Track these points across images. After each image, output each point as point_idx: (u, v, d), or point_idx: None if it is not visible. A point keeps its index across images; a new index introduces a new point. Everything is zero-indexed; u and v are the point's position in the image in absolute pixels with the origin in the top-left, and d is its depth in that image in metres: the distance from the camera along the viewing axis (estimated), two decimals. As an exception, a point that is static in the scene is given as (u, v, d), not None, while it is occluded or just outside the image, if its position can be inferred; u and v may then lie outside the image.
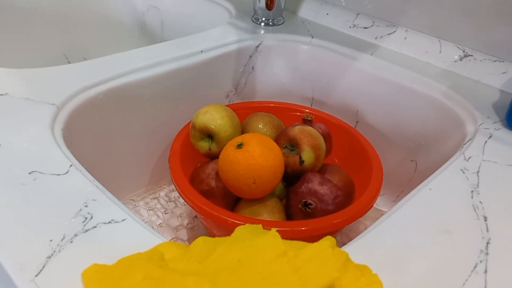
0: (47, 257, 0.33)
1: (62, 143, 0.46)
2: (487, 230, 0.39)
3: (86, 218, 0.36)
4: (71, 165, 0.42)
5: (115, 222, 0.36)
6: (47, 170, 0.41)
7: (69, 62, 0.93)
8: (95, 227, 0.35)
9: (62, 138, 0.47)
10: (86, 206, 0.37)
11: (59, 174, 0.40)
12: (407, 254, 0.36)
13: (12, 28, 0.86)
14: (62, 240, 0.34)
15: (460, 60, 0.66)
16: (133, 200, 0.66)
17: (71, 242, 0.34)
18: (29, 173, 0.40)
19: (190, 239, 0.61)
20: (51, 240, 0.34)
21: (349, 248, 0.36)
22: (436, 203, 0.42)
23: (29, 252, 0.33)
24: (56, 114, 0.49)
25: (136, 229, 0.36)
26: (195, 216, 0.64)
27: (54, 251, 0.33)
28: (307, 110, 0.69)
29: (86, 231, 0.35)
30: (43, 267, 0.32)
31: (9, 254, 0.33)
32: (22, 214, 0.36)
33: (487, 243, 0.37)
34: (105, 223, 0.36)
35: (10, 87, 0.52)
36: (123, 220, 0.36)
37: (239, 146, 0.51)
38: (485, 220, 0.40)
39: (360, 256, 0.35)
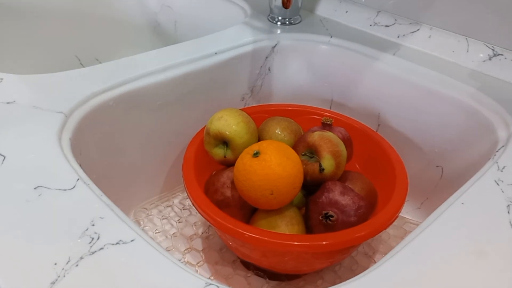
0: (51, 283, 0.30)
1: (70, 154, 0.43)
2: (527, 251, 0.35)
3: (92, 238, 0.34)
4: (78, 179, 0.39)
5: (124, 243, 0.34)
6: (53, 185, 0.39)
7: (81, 64, 0.91)
8: (102, 248, 0.33)
9: (70, 149, 0.44)
10: (93, 225, 0.35)
11: (65, 189, 0.38)
12: (439, 278, 0.33)
13: (24, 29, 0.85)
14: (67, 263, 0.32)
15: (489, 59, 0.62)
16: (145, 208, 0.63)
17: (77, 265, 0.32)
18: (35, 188, 0.38)
19: (206, 249, 0.59)
20: (55, 264, 0.32)
21: (377, 271, 0.33)
22: (469, 220, 0.38)
23: (33, 277, 0.31)
24: (64, 123, 0.47)
25: (145, 250, 0.34)
26: (210, 225, 0.62)
27: (59, 276, 0.31)
28: (326, 114, 0.66)
29: (93, 253, 0.33)
30: (47, 294, 0.30)
31: (12, 279, 0.31)
32: (27, 234, 0.34)
33: (527, 265, 0.34)
34: (112, 244, 0.34)
35: (18, 94, 0.50)
36: (131, 240, 0.34)
37: (256, 154, 0.48)
38: (524, 239, 0.36)
39: (389, 280, 0.32)
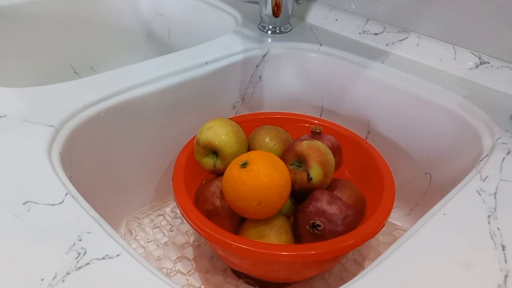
0: (37, 299, 0.31)
1: (60, 168, 0.44)
2: (505, 261, 0.36)
3: (79, 253, 0.35)
4: (66, 194, 0.40)
5: (110, 257, 0.34)
6: (42, 199, 0.39)
7: (75, 72, 0.92)
8: (88, 263, 0.34)
9: (59, 162, 0.45)
10: (80, 240, 0.36)
11: (53, 204, 0.39)
12: (419, 290, 0.34)
13: (18, 38, 0.86)
14: (53, 279, 0.33)
15: (476, 67, 0.63)
16: (137, 218, 0.64)
17: (63, 281, 0.32)
18: (23, 203, 0.39)
19: (197, 258, 0.60)
20: (42, 279, 0.32)
21: (356, 285, 0.34)
22: (450, 231, 0.39)
23: (19, 292, 0.32)
24: (54, 136, 0.48)
25: (131, 265, 0.34)
26: (202, 233, 0.63)
27: (45, 292, 0.32)
28: (316, 121, 0.66)
29: (79, 268, 0.33)
30: (33, 310, 0.30)
31: (-2, 295, 0.32)
32: (14, 249, 0.35)
33: (506, 276, 0.35)
34: (98, 259, 0.34)
35: (9, 108, 0.51)
36: (118, 255, 0.35)
37: (244, 165, 0.49)
38: (503, 250, 0.37)
39: (368, 293, 0.33)
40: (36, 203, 0.39)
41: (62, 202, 0.39)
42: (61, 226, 0.37)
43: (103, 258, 0.34)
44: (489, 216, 0.40)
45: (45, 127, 0.48)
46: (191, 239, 0.62)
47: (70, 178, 0.45)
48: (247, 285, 0.56)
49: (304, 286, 0.57)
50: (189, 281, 0.56)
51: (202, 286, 0.56)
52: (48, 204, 0.39)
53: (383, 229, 0.65)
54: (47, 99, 0.53)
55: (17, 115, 0.50)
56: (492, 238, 0.38)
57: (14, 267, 0.33)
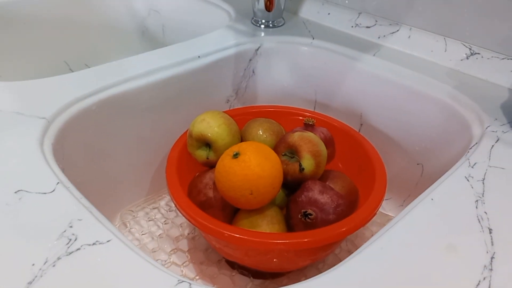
0: (28, 283, 0.32)
1: (52, 159, 0.44)
2: (492, 244, 0.36)
3: (70, 239, 0.35)
4: (58, 183, 0.40)
5: (100, 243, 0.35)
6: (34, 188, 0.40)
7: (70, 69, 0.92)
8: (79, 249, 0.34)
9: (52, 153, 0.45)
10: (71, 226, 0.36)
11: (45, 193, 0.39)
12: (406, 273, 0.34)
13: (13, 36, 0.86)
14: (44, 264, 0.33)
15: (467, 58, 0.63)
16: (132, 211, 0.64)
17: (54, 266, 0.33)
18: (15, 192, 0.39)
19: (191, 250, 0.60)
20: (33, 264, 0.33)
21: (344, 267, 0.34)
22: (438, 215, 0.39)
23: (10, 277, 0.32)
24: (46, 128, 0.48)
25: (121, 250, 0.35)
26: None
27: (36, 276, 0.32)
28: (307, 114, 0.67)
29: (70, 253, 0.34)
30: (23, 294, 0.31)
31: (-10, 280, 0.32)
32: (5, 236, 0.35)
33: (492, 257, 0.35)
34: (89, 244, 0.35)
35: (2, 101, 0.52)
36: (108, 241, 0.35)
37: (235, 155, 0.49)
38: (490, 233, 0.37)
39: (357, 275, 0.33)
40: (27, 191, 0.39)
41: (53, 190, 0.40)
42: (52, 214, 0.37)
43: (94, 243, 0.35)
44: (476, 201, 0.41)
45: (37, 119, 0.49)
46: (186, 232, 0.62)
47: (63, 170, 0.45)
48: (242, 275, 0.57)
49: (297, 276, 0.58)
50: (183, 272, 0.57)
51: (197, 277, 0.56)
52: (39, 193, 0.39)
53: (377, 220, 0.66)
54: (40, 93, 0.53)
55: (10, 108, 0.50)
56: (479, 221, 0.39)
57: (5, 253, 0.34)
